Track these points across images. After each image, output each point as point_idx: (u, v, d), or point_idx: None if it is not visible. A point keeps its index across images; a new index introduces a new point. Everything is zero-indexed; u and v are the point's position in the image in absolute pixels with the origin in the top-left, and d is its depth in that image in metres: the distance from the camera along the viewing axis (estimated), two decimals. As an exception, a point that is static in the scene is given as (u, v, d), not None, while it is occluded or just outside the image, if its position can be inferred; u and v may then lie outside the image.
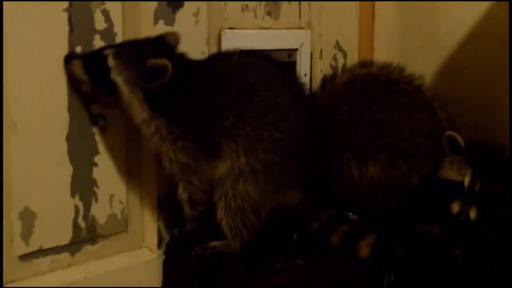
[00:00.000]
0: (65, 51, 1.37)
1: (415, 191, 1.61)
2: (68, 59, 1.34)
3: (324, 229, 1.52)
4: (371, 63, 1.73)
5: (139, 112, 1.33)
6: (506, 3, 1.64)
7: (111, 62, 1.31)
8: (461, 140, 1.49)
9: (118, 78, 1.31)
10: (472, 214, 1.45)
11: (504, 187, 1.47)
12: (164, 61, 1.27)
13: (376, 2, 1.98)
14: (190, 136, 1.35)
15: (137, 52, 1.33)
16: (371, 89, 1.61)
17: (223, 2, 1.63)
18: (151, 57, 1.29)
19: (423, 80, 1.67)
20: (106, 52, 1.32)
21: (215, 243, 1.43)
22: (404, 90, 1.62)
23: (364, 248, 1.46)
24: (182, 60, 1.36)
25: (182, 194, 1.42)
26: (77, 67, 1.32)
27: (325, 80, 1.69)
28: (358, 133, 1.56)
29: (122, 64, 1.32)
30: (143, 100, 1.31)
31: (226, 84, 1.38)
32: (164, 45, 1.37)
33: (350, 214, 1.63)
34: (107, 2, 1.42)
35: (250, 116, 1.36)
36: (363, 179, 1.58)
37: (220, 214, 1.39)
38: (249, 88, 1.38)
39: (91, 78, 1.33)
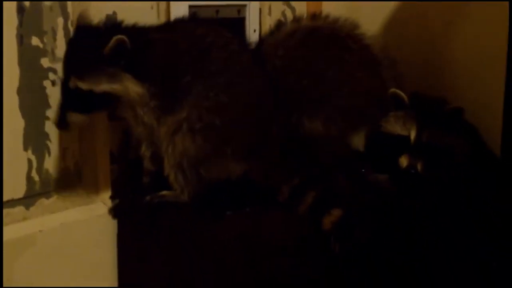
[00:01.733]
0: (13, 4, 1.36)
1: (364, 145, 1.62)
2: (62, 124, 1.34)
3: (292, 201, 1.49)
4: (324, 17, 1.68)
5: (136, 90, 1.34)
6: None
7: (82, 84, 1.31)
8: (405, 97, 1.50)
9: (101, 86, 1.31)
10: (419, 167, 1.47)
11: (450, 138, 1.49)
12: (117, 38, 1.28)
13: None
14: (158, 96, 1.36)
15: (88, 55, 1.33)
16: (312, 40, 1.57)
17: None
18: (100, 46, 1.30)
19: (373, 40, 1.65)
20: (71, 83, 1.31)
21: (166, 192, 1.44)
22: (349, 47, 1.59)
23: (328, 224, 1.44)
24: (132, 30, 1.38)
25: (145, 151, 1.44)
26: (74, 118, 1.34)
27: (272, 30, 1.68)
28: (291, 81, 1.53)
29: (91, 76, 1.31)
30: (132, 78, 1.33)
31: (186, 46, 1.39)
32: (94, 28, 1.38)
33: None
34: None
35: (204, 75, 1.37)
36: (302, 132, 1.56)
37: (167, 168, 1.41)
38: (205, 49, 1.39)
39: (88, 112, 1.34)
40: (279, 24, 1.69)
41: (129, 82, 1.34)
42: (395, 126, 1.51)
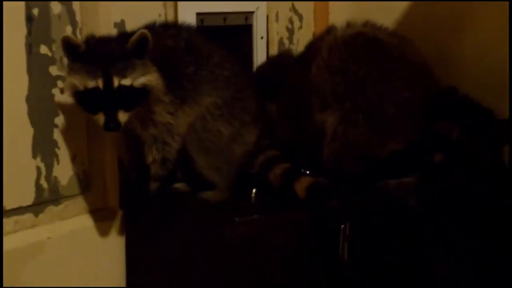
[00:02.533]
0: (22, 13, 1.36)
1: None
2: (115, 125, 1.30)
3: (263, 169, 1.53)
4: (378, 26, 1.67)
5: (161, 82, 1.35)
6: None
7: (125, 81, 1.30)
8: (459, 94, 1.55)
9: (140, 79, 1.32)
10: (454, 166, 1.51)
11: (488, 145, 1.53)
12: (140, 32, 1.29)
13: None
14: (172, 92, 1.39)
15: (119, 54, 1.32)
16: (354, 43, 1.58)
17: None
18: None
19: (415, 50, 1.63)
20: (114, 83, 1.30)
21: (208, 193, 1.47)
22: (386, 50, 1.58)
23: (301, 191, 1.48)
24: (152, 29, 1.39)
25: (156, 155, 1.44)
26: (122, 117, 1.31)
27: (322, 34, 1.69)
28: (325, 79, 1.55)
29: (130, 71, 1.31)
30: (158, 70, 1.34)
31: (192, 47, 1.44)
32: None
33: (307, 172, 1.59)
34: None
35: (205, 64, 1.44)
36: (324, 129, 1.56)
37: (200, 163, 1.44)
38: (207, 52, 1.46)
39: (132, 108, 1.32)
40: (329, 29, 1.69)
41: (157, 73, 1.35)
42: (441, 123, 1.54)
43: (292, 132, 1.63)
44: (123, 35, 1.38)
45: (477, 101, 1.57)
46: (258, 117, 1.52)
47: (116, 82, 1.29)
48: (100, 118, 1.29)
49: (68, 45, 1.29)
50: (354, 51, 1.56)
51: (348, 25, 1.64)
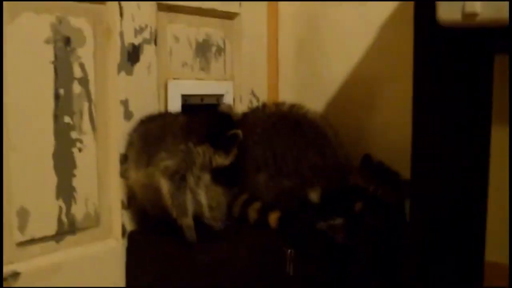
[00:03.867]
0: (51, 92, 1.43)
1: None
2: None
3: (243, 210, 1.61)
4: (284, 104, 1.81)
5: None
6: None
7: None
8: (374, 160, 1.62)
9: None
10: (369, 212, 1.56)
11: (394, 198, 1.59)
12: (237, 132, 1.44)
13: (280, 55, 2.07)
14: None
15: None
16: (280, 125, 1.70)
17: (168, 59, 1.72)
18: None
19: (319, 117, 1.77)
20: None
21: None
22: (303, 131, 1.70)
23: (273, 220, 1.56)
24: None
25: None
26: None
27: (254, 110, 1.82)
28: (259, 152, 1.66)
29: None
30: None
31: None
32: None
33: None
34: (83, 56, 1.50)
35: None
36: (256, 184, 1.66)
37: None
38: None
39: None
40: (263, 105, 1.83)
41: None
42: (360, 179, 1.61)
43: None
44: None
45: (387, 165, 1.65)
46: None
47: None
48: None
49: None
50: (280, 131, 1.69)
51: (277, 105, 1.78)
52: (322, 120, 1.76)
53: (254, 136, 1.66)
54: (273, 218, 1.58)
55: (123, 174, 1.55)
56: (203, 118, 1.49)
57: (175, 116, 1.57)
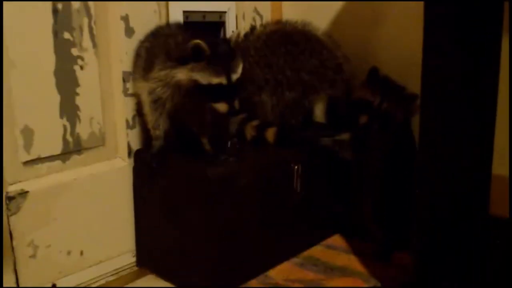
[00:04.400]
0: (49, 6, 1.35)
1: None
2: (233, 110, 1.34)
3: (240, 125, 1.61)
4: (282, 22, 1.77)
5: None
6: None
7: (234, 77, 1.33)
8: (380, 73, 1.57)
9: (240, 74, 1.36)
10: (375, 126, 1.53)
11: (401, 112, 1.54)
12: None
13: None
14: None
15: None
16: (271, 41, 1.66)
17: None
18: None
19: (318, 31, 1.71)
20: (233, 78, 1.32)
21: None
22: (294, 40, 1.66)
23: (271, 135, 1.55)
24: None
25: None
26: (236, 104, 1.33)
27: (247, 33, 1.75)
28: (257, 72, 1.62)
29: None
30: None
31: None
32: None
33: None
34: None
35: None
36: (261, 103, 1.65)
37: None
38: None
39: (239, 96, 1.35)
40: (251, 28, 1.78)
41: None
42: (365, 93, 1.55)
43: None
44: (227, 40, 1.42)
45: (393, 79, 1.60)
46: None
47: (233, 77, 1.32)
48: (222, 106, 1.32)
49: (198, 50, 1.30)
50: (272, 47, 1.65)
51: (264, 25, 1.75)
52: (314, 29, 1.71)
53: (249, 58, 1.63)
54: (270, 132, 1.56)
55: (133, 87, 1.50)
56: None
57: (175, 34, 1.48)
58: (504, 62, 1.48)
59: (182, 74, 1.33)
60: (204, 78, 1.31)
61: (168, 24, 1.55)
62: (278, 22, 1.78)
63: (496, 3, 1.40)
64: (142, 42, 1.49)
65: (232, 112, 1.33)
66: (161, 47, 1.41)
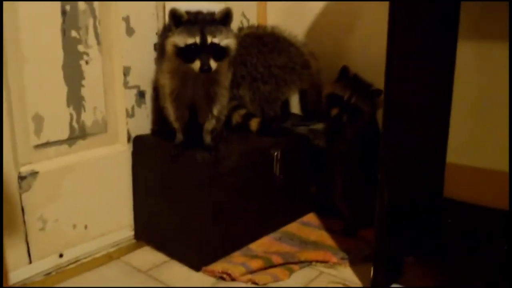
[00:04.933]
0: (58, 8, 1.39)
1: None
2: (207, 68, 1.32)
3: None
4: (255, 26, 1.87)
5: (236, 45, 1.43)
6: None
7: (215, 39, 1.33)
8: (350, 72, 1.62)
9: (224, 41, 1.36)
10: (345, 118, 1.58)
11: (367, 105, 1.59)
12: (226, 8, 1.39)
13: None
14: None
15: (214, 23, 1.37)
16: (245, 42, 1.73)
17: None
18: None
19: (285, 32, 1.79)
20: (208, 40, 1.31)
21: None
22: (264, 41, 1.75)
23: (254, 124, 1.64)
24: None
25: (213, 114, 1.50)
26: (213, 64, 1.32)
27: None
28: (236, 69, 1.68)
29: (218, 33, 1.35)
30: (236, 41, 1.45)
31: None
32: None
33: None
34: None
35: None
36: (240, 97, 1.73)
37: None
38: None
39: (219, 60, 1.35)
40: (239, 29, 1.84)
41: (235, 40, 1.39)
42: (336, 89, 1.61)
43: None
44: (211, 12, 1.40)
45: (362, 77, 1.65)
46: None
47: (209, 39, 1.32)
48: (196, 64, 1.31)
49: (175, 15, 1.33)
50: (247, 48, 1.73)
51: (240, 29, 1.82)
52: (282, 31, 1.80)
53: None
54: (254, 122, 1.65)
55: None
56: None
57: None
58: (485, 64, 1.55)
59: (168, 42, 1.35)
60: (180, 40, 1.32)
61: None
62: (251, 27, 1.87)
63: (453, 15, 1.50)
64: (160, 37, 1.53)
65: (205, 69, 1.30)
66: None
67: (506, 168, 1.56)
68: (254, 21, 2.01)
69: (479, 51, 1.61)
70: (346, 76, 1.62)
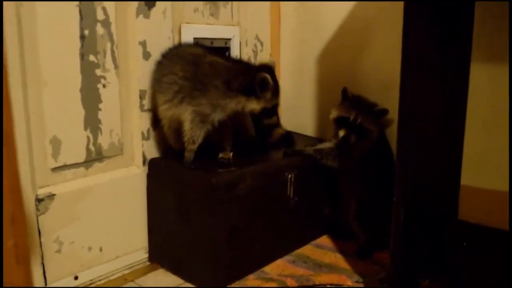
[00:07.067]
0: (77, 33, 1.39)
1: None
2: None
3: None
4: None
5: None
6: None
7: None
8: (349, 93, 1.60)
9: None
10: (352, 138, 1.56)
11: (374, 125, 1.57)
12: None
13: (281, 3, 1.98)
14: None
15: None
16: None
17: (182, 4, 1.66)
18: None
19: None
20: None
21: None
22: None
23: (275, 138, 1.66)
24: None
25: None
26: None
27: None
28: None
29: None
30: None
31: None
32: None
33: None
34: (104, 2, 1.45)
35: None
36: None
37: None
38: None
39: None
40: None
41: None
42: (342, 111, 1.59)
43: None
44: (270, 67, 1.51)
45: (366, 97, 1.62)
46: None
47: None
48: (273, 119, 1.61)
49: (264, 82, 1.44)
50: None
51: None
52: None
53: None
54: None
55: (168, 110, 1.51)
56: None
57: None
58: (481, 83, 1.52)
59: (253, 105, 1.45)
60: (268, 104, 1.45)
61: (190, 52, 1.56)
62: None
63: (467, 34, 1.47)
64: (173, 74, 1.49)
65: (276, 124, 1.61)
66: (208, 75, 1.45)
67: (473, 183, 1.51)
68: (267, 44, 2.00)
69: (492, 72, 1.58)
70: (346, 97, 1.60)
